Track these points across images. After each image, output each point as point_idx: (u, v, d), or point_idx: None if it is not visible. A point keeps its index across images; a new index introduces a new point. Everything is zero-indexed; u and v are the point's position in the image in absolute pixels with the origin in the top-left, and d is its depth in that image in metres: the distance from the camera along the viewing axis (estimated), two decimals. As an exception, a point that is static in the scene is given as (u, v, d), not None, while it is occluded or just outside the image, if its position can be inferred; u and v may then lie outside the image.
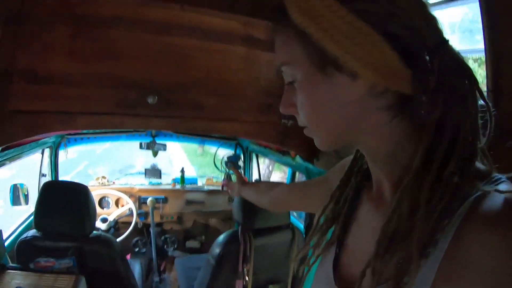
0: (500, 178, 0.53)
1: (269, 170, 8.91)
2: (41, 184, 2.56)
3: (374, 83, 0.54)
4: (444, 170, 0.52)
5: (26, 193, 2.60)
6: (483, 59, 1.08)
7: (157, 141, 3.53)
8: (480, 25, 1.05)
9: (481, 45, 1.06)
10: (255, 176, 3.83)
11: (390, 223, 0.55)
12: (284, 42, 0.60)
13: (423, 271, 0.50)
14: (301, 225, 2.65)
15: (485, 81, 1.06)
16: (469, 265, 0.46)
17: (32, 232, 1.96)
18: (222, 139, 3.64)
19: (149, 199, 3.50)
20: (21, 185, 2.59)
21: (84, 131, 3.06)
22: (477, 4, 1.05)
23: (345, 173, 0.77)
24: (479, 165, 0.56)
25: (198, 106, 1.85)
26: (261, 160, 3.93)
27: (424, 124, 0.54)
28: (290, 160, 2.44)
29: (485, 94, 0.54)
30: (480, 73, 1.09)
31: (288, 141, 2.08)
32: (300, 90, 0.60)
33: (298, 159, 2.29)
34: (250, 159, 3.78)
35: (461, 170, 0.51)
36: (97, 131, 3.18)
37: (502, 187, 0.50)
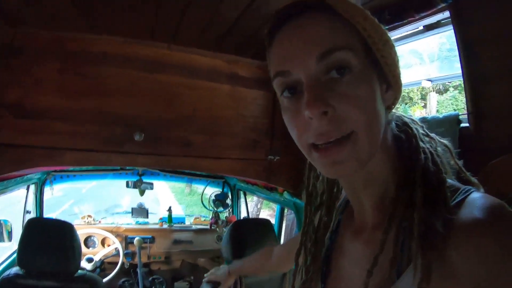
0: (470, 189, 0.55)
1: (257, 208, 8.85)
2: (25, 221, 2.51)
3: (396, 99, 0.61)
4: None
5: (10, 230, 2.53)
6: (463, 85, 1.13)
7: (144, 180, 3.49)
8: (457, 53, 1.11)
9: (459, 72, 1.12)
10: (243, 214, 3.80)
11: (382, 251, 0.57)
12: (338, 28, 0.54)
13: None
14: (291, 261, 2.62)
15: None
16: (455, 273, 0.48)
17: (15, 269, 1.90)
18: (210, 177, 3.63)
19: (136, 238, 3.42)
20: (5, 221, 2.52)
21: (71, 169, 3.03)
22: (453, 33, 1.12)
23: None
24: (455, 183, 0.59)
25: (185, 143, 1.85)
26: (249, 198, 3.91)
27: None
28: (278, 196, 2.44)
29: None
30: (462, 100, 1.16)
31: (274, 177, 2.07)
32: (357, 81, 0.54)
33: (286, 194, 2.28)
34: (238, 197, 3.76)
35: (435, 192, 0.55)
36: (84, 168, 3.15)
37: (474, 195, 0.53)
